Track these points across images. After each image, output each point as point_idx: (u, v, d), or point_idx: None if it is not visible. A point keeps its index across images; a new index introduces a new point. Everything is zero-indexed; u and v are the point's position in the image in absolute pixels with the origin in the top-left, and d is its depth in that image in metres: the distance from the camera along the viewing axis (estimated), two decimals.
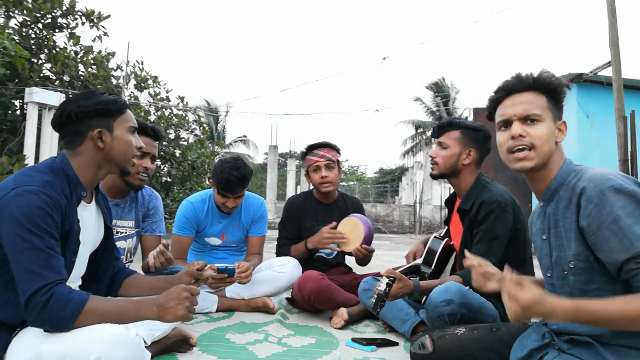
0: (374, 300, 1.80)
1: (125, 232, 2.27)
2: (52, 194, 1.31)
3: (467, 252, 1.41)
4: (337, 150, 2.85)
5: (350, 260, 2.99)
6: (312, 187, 2.93)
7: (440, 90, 25.06)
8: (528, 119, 1.29)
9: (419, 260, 2.26)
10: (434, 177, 2.23)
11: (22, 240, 1.23)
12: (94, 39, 7.01)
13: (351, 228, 2.59)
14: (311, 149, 2.81)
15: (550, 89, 1.31)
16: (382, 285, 1.81)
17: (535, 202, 1.43)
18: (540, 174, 1.31)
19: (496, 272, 1.26)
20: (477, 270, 1.27)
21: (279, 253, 2.84)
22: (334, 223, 2.67)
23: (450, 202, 2.31)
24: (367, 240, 2.53)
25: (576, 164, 1.29)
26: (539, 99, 1.30)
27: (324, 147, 2.80)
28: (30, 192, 1.27)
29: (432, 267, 2.19)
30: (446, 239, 2.24)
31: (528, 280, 1.09)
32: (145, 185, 2.32)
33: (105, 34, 6.95)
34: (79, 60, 7.07)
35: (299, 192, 24.32)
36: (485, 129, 2.17)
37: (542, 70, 1.34)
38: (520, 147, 1.28)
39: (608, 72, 6.59)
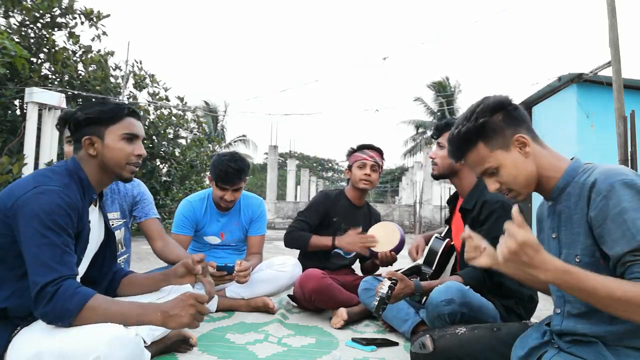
0: (376, 303, 1.79)
1: (113, 224, 2.25)
2: (70, 194, 1.39)
3: (466, 227, 1.40)
4: (383, 158, 2.91)
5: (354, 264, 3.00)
6: (341, 185, 2.94)
7: (441, 90, 25.04)
8: (486, 174, 1.30)
9: (420, 261, 2.26)
10: (435, 177, 2.24)
11: (41, 235, 1.29)
12: (93, 38, 7.01)
13: (387, 232, 2.60)
14: (361, 148, 2.86)
15: (473, 137, 1.28)
16: (384, 288, 1.80)
17: (535, 203, 1.41)
18: (539, 187, 1.29)
19: (488, 248, 1.25)
20: (470, 243, 1.27)
21: (294, 235, 2.73)
22: (360, 229, 2.66)
23: (452, 201, 2.30)
24: (398, 249, 2.55)
25: (586, 162, 1.26)
26: (478, 151, 1.28)
27: (374, 150, 2.86)
28: (51, 192, 1.35)
29: (433, 268, 2.19)
30: (447, 239, 2.23)
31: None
32: None
33: (104, 33, 6.95)
34: (77, 59, 7.06)
35: (298, 192, 24.15)
36: None
37: (451, 133, 1.34)
38: (504, 192, 1.29)
39: (608, 72, 6.58)
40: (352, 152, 2.90)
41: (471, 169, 1.36)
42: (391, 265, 2.61)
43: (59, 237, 1.31)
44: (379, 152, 2.87)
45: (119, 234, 2.31)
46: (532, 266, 1.03)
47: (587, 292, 1.02)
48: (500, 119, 1.27)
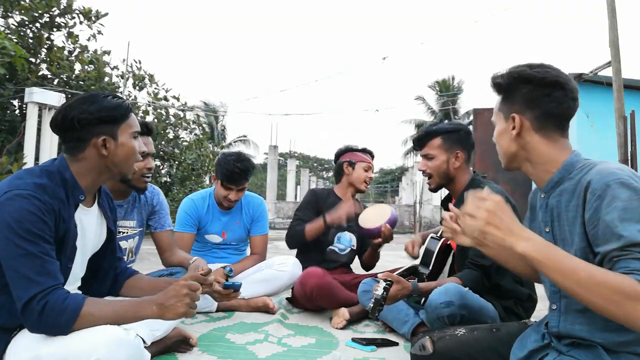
0: (372, 305, 1.79)
1: (127, 233, 2.25)
2: (44, 197, 1.28)
3: (451, 206, 1.40)
4: None
5: (354, 264, 3.00)
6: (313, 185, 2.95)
7: (441, 90, 25.06)
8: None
9: (417, 261, 2.25)
10: (433, 190, 2.27)
11: (15, 246, 1.21)
12: (89, 37, 7.00)
13: (379, 211, 2.69)
14: (364, 150, 2.99)
15: (505, 82, 1.32)
16: (379, 290, 1.80)
17: None
18: (534, 176, 1.29)
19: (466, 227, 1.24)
20: (447, 224, 1.27)
21: (291, 232, 2.80)
22: (350, 202, 2.77)
23: (445, 201, 2.30)
24: (392, 222, 2.58)
25: (585, 158, 1.25)
26: (500, 99, 1.35)
27: (371, 155, 3.00)
28: (21, 197, 1.25)
29: (430, 268, 2.18)
30: (443, 239, 2.23)
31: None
32: None
33: (100, 32, 6.93)
34: (74, 59, 7.05)
35: (298, 192, 24.13)
36: (464, 127, 2.20)
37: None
38: None
39: (608, 72, 6.58)
40: (351, 150, 2.96)
41: None
42: (388, 242, 2.66)
43: (36, 246, 1.23)
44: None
45: (131, 243, 2.29)
46: (512, 232, 1.03)
47: (566, 272, 1.00)
48: (524, 92, 1.27)
